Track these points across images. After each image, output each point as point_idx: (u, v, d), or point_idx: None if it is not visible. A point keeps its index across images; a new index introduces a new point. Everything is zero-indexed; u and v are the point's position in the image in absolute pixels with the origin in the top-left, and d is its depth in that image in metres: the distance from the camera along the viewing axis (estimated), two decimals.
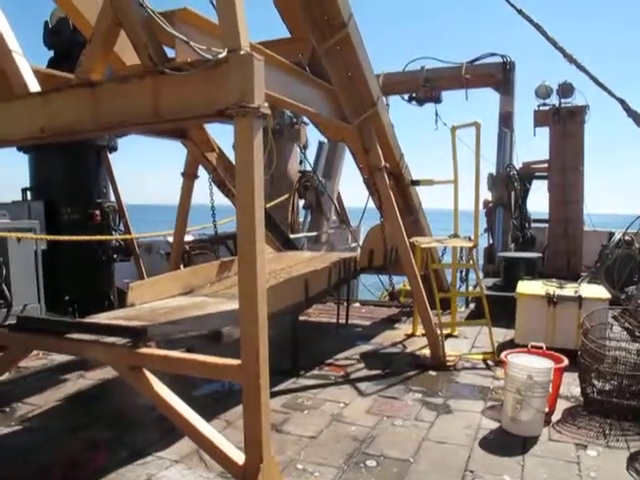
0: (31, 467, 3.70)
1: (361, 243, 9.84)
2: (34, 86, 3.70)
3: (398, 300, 9.77)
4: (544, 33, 4.29)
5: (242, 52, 2.82)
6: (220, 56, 2.79)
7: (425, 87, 12.01)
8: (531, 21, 4.27)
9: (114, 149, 8.97)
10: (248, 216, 2.90)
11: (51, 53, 8.37)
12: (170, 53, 3.45)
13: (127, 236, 8.79)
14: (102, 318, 4.45)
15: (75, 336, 3.68)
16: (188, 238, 8.83)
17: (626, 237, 9.01)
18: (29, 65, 3.82)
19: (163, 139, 6.35)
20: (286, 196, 11.64)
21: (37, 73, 3.90)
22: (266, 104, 2.93)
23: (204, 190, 6.80)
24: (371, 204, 8.78)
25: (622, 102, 4.57)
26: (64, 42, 8.05)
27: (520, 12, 4.29)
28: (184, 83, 3.00)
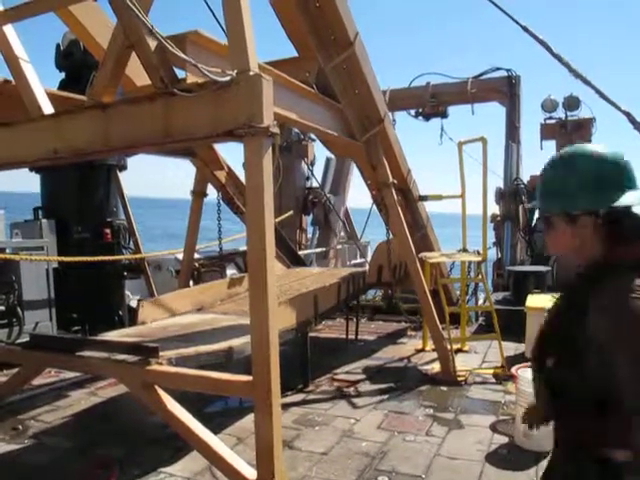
0: None
1: (369, 259, 9.87)
2: (48, 108, 3.78)
3: (393, 297, 9.52)
4: (549, 49, 4.34)
5: (251, 73, 2.88)
6: (229, 78, 2.85)
7: (431, 102, 12.09)
8: (536, 38, 4.32)
9: (124, 168, 9.08)
10: (258, 234, 2.93)
11: (62, 75, 8.52)
12: (180, 74, 3.53)
13: (137, 255, 8.85)
14: (114, 336, 4.49)
15: (88, 354, 3.72)
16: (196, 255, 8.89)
17: None
18: (43, 88, 3.91)
19: (172, 158, 6.44)
20: (290, 212, 11.69)
21: (50, 95, 3.99)
22: (275, 123, 2.99)
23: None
24: (374, 212, 8.81)
25: (628, 115, 4.59)
26: (75, 64, 8.21)
27: (525, 29, 4.34)
28: (194, 104, 3.06)
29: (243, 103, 2.89)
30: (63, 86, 7.93)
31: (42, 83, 3.96)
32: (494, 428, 4.57)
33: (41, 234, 7.79)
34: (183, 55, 2.78)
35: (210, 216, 6.85)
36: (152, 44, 3.14)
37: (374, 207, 9.08)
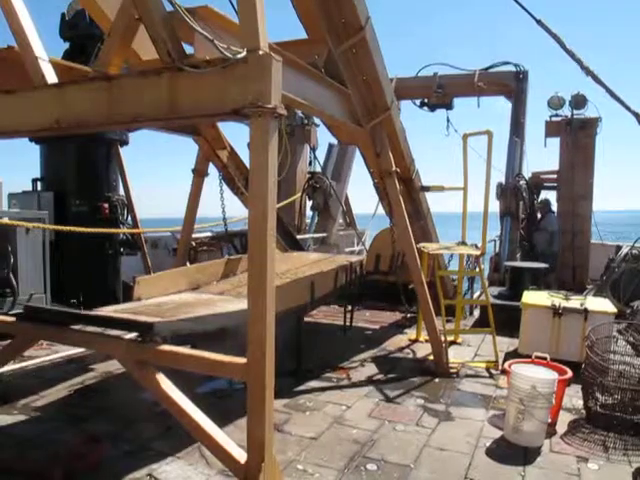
0: (32, 457, 3.71)
1: (367, 247, 9.84)
2: (51, 77, 3.72)
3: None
4: (562, 44, 4.29)
5: (261, 52, 2.83)
6: (240, 55, 2.80)
7: (437, 93, 11.99)
8: (550, 32, 4.27)
9: (125, 143, 9.00)
10: (260, 217, 2.89)
11: (66, 45, 8.42)
12: (187, 50, 3.47)
13: (134, 230, 8.80)
14: (109, 311, 4.47)
15: (82, 328, 3.70)
16: (200, 234, 8.87)
17: (633, 251, 8.98)
18: (47, 57, 3.84)
19: (175, 135, 6.38)
20: (298, 195, 11.68)
21: (55, 65, 3.93)
22: (282, 105, 2.94)
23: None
24: (379, 210, 8.76)
25: (637, 116, 4.56)
26: (80, 35, 8.11)
27: (539, 22, 4.28)
28: (201, 80, 3.01)
29: (251, 82, 2.84)
30: (67, 57, 7.84)
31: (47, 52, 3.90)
32: (484, 422, 4.58)
33: (39, 206, 7.74)
34: (198, 28, 2.72)
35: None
36: (161, 17, 3.08)
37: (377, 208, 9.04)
